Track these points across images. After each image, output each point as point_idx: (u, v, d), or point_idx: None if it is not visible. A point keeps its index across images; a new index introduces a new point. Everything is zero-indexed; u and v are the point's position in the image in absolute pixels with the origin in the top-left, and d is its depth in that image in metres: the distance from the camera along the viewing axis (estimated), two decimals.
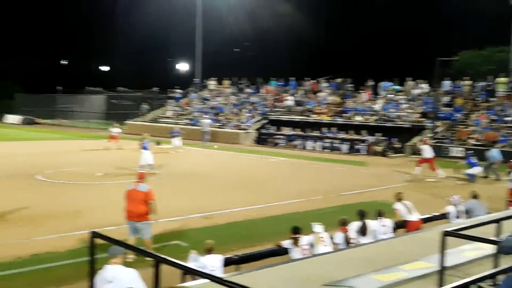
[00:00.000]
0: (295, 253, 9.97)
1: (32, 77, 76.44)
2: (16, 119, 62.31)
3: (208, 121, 41.57)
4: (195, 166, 28.15)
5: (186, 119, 47.65)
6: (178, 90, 54.43)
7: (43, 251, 12.43)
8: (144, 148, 25.10)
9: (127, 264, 8.43)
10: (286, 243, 10.25)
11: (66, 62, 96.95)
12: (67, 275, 11.01)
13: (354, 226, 11.17)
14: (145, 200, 11.89)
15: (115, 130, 35.25)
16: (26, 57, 79.37)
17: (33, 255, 12.11)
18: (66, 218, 15.74)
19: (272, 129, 41.36)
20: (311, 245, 10.26)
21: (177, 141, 34.39)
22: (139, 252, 5.59)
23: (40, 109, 64.20)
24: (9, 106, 66.84)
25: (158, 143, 30.88)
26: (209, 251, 9.31)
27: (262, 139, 41.36)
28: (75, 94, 65.02)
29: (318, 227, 10.43)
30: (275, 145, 39.93)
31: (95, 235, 5.55)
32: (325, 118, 39.96)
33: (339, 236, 10.83)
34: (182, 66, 78.05)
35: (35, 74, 77.90)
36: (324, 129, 38.54)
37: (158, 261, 4.78)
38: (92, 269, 5.83)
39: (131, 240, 11.53)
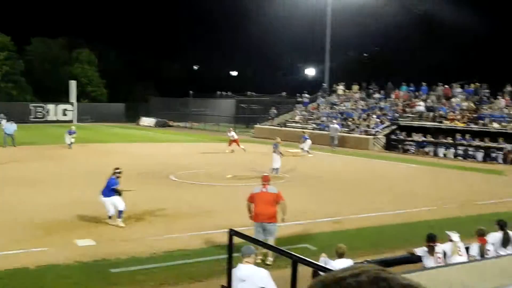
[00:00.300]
0: (429, 261, 9.58)
1: (166, 81, 79.87)
2: (150, 122, 65.26)
3: (336, 126, 41.30)
4: (323, 170, 28.03)
5: (314, 123, 47.64)
6: (306, 95, 54.58)
7: (176, 248, 12.86)
8: (275, 151, 25.31)
9: (257, 264, 8.52)
10: (420, 251, 9.89)
11: (197, 67, 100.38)
12: (198, 272, 11.33)
13: (493, 237, 10.55)
14: (275, 202, 12.00)
15: (231, 133, 35.93)
16: (161, 62, 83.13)
17: (166, 252, 12.58)
18: (196, 217, 16.24)
19: (401, 135, 40.36)
20: (446, 254, 9.83)
21: (306, 146, 34.45)
22: (277, 251, 5.59)
23: (173, 112, 66.80)
24: (145, 109, 70.15)
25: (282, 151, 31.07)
26: (341, 255, 9.17)
27: (391, 145, 40.47)
28: (206, 98, 67.05)
29: (455, 236, 9.97)
30: (405, 151, 38.93)
31: (233, 233, 5.61)
32: (459, 125, 38.38)
33: (475, 247, 10.27)
34: (310, 71, 78.27)
35: (169, 78, 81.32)
36: (458, 136, 37.02)
37: (295, 261, 4.76)
38: (230, 266, 5.89)
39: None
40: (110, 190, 14.69)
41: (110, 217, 14.85)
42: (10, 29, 70.79)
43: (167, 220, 15.74)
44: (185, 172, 25.51)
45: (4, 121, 39.93)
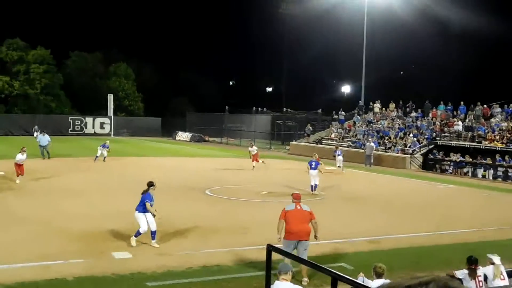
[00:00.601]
0: (471, 284, 9.39)
1: (202, 97, 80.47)
2: (186, 136, 65.66)
3: (372, 144, 40.94)
4: (358, 189, 27.78)
5: (350, 141, 47.38)
6: (342, 112, 54.34)
7: (212, 263, 12.85)
8: (313, 168, 25.07)
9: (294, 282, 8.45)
10: (460, 273, 9.69)
11: (233, 83, 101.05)
12: None
13: None
14: (310, 219, 11.96)
15: (253, 149, 35.41)
16: (197, 77, 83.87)
17: (203, 267, 12.56)
18: (232, 233, 16.22)
19: (439, 155, 39.80)
20: (487, 278, 9.62)
21: (339, 162, 34.28)
22: (316, 268, 5.53)
23: (209, 127, 67.11)
24: (181, 123, 70.66)
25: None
26: (380, 275, 9.03)
27: (428, 165, 39.94)
28: (242, 114, 67.16)
29: (496, 259, 9.74)
30: (443, 171, 38.39)
31: (271, 248, 5.57)
32: (498, 145, 37.70)
33: None
34: (346, 88, 78.01)
35: (205, 93, 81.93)
36: (497, 157, 36.34)
37: (335, 278, 4.71)
38: (269, 283, 5.85)
39: (288, 260, 11.50)
40: (144, 205, 14.10)
41: (139, 234, 14.20)
42: (49, 43, 72.35)
43: (203, 235, 15.74)
44: (221, 187, 25.57)
45: (37, 133, 40.35)
